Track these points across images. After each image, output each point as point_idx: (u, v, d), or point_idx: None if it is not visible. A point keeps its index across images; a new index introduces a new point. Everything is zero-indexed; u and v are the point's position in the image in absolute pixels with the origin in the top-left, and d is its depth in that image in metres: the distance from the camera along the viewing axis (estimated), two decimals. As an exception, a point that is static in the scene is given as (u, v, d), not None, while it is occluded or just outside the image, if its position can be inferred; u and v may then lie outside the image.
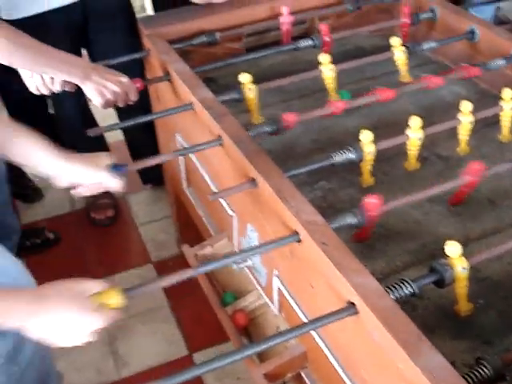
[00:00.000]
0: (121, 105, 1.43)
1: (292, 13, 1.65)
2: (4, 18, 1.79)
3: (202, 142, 1.23)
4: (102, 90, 1.37)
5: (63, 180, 1.11)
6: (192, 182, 1.62)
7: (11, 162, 1.12)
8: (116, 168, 1.12)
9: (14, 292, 0.86)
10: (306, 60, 1.60)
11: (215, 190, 1.36)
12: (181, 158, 1.59)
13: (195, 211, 1.65)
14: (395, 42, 1.47)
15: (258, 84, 1.37)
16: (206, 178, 1.42)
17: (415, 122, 1.16)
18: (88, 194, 1.15)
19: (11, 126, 1.11)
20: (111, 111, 1.98)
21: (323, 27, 1.56)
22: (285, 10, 1.63)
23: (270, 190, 1.00)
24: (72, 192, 1.15)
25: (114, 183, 1.12)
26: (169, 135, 1.67)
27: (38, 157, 1.09)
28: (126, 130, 2.28)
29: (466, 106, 1.21)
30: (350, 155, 1.13)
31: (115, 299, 0.86)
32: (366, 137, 1.13)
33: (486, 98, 1.46)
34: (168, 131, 1.67)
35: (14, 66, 1.38)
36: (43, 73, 1.40)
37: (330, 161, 1.12)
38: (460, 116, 1.22)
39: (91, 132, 1.31)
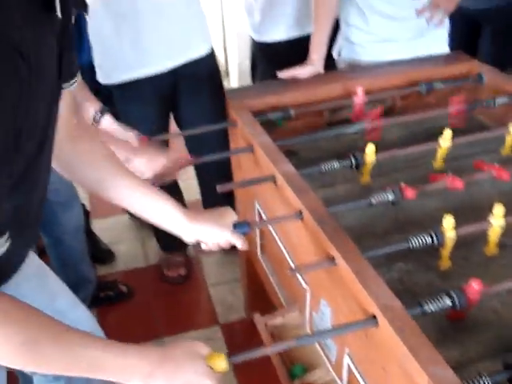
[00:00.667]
0: (167, 180, 1.54)
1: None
2: (100, 80, 1.92)
3: (281, 213, 1.26)
4: (152, 164, 1.48)
5: (189, 237, 1.17)
6: (266, 250, 1.65)
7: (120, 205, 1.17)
8: (239, 226, 1.17)
9: (135, 349, 0.87)
10: (388, 138, 1.64)
11: (291, 262, 1.38)
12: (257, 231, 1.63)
13: (267, 278, 1.67)
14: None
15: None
16: (282, 248, 1.44)
17: (499, 210, 1.15)
18: (209, 249, 1.20)
19: (129, 175, 1.16)
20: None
21: (374, 112, 1.59)
22: (359, 90, 1.68)
23: (349, 271, 1.01)
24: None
25: (237, 242, 1.17)
26: (247, 202, 1.71)
27: (163, 214, 1.15)
28: (202, 187, 2.36)
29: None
30: (430, 240, 1.13)
31: (221, 364, 0.89)
32: (449, 223, 1.13)
33: None
34: (247, 198, 1.71)
35: None
36: None
37: (409, 244, 1.13)
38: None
39: (220, 188, 1.37)
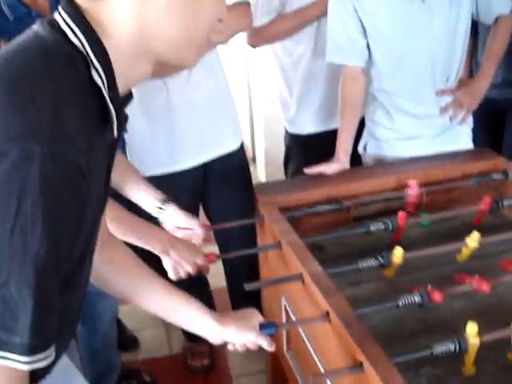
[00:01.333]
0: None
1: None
2: None
3: (308, 311, 1.26)
4: (177, 267, 1.49)
5: (215, 340, 1.19)
6: (292, 346, 1.64)
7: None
8: (265, 328, 1.18)
9: None
10: (414, 234, 1.66)
11: (318, 363, 1.37)
12: (283, 318, 1.63)
13: (293, 375, 1.65)
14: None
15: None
16: (309, 347, 1.43)
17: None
18: (235, 350, 1.22)
19: (154, 277, 1.19)
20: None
21: (401, 214, 1.59)
22: (412, 183, 1.73)
23: (377, 378, 1.01)
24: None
25: (264, 344, 1.18)
26: (274, 296, 1.71)
27: (189, 318, 1.17)
28: (230, 279, 2.36)
29: None
30: (452, 347, 1.12)
31: None
32: (472, 330, 1.12)
33: None
34: (274, 292, 1.72)
35: None
36: (129, 241, 1.52)
37: (432, 351, 1.12)
38: None
39: (248, 287, 1.39)
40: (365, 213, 1.79)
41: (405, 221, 1.57)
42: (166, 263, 1.51)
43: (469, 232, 1.48)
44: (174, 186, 1.97)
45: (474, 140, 2.12)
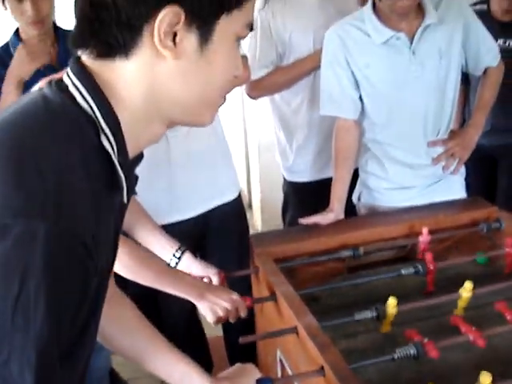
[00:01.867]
0: (232, 321, 1.52)
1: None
2: None
3: (303, 364, 1.26)
4: (215, 308, 1.48)
5: None
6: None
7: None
8: (262, 383, 1.17)
9: None
10: (410, 284, 1.66)
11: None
12: (278, 370, 1.62)
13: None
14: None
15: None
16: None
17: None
18: None
19: (153, 334, 1.18)
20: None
21: (428, 256, 1.61)
22: (424, 230, 1.75)
23: None
24: None
25: None
26: (270, 348, 1.70)
27: (183, 377, 1.15)
28: (226, 330, 2.35)
29: None
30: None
31: None
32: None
33: None
34: (269, 344, 1.71)
35: (137, 281, 1.52)
36: (163, 289, 1.53)
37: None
38: None
39: (243, 340, 1.39)
40: (360, 263, 1.80)
41: (434, 263, 1.60)
42: (204, 308, 1.51)
43: (463, 282, 1.49)
44: (172, 234, 1.98)
45: (468, 186, 2.14)
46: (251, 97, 2.39)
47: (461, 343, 1.37)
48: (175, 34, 0.74)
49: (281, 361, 1.59)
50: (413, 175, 1.99)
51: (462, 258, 1.72)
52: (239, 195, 2.14)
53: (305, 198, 2.41)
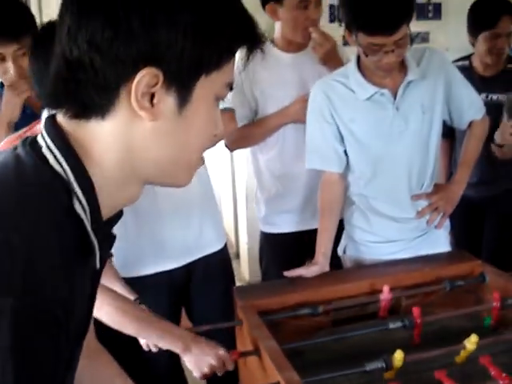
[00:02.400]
0: (219, 374, 1.51)
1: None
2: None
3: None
4: (200, 364, 1.47)
5: None
6: None
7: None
8: None
9: None
10: (396, 338, 1.64)
11: None
12: None
13: None
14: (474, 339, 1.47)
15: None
16: None
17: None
18: None
19: None
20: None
21: (416, 310, 1.60)
22: (385, 288, 1.73)
23: None
24: None
25: None
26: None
27: None
28: (209, 381, 2.31)
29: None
30: None
31: None
32: None
33: None
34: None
35: (121, 331, 1.50)
36: (147, 339, 1.51)
37: None
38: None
39: None
40: (345, 316, 1.78)
41: (420, 317, 1.59)
42: (189, 362, 1.50)
43: (448, 335, 1.48)
44: (157, 286, 1.97)
45: (455, 238, 2.15)
46: (228, 149, 2.42)
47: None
48: (153, 95, 0.73)
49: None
50: (398, 228, 2.00)
51: (448, 313, 1.71)
52: (225, 245, 2.14)
53: (277, 249, 2.41)
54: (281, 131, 2.27)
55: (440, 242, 2.07)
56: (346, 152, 1.95)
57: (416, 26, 4.41)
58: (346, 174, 2.00)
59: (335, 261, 2.03)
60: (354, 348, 1.63)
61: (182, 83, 0.74)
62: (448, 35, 2.76)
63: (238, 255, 4.41)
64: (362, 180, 1.98)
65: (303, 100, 2.14)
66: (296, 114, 2.19)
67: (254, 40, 0.80)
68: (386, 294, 1.72)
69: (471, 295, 1.87)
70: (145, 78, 0.72)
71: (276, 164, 2.34)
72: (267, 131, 2.27)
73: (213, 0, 0.76)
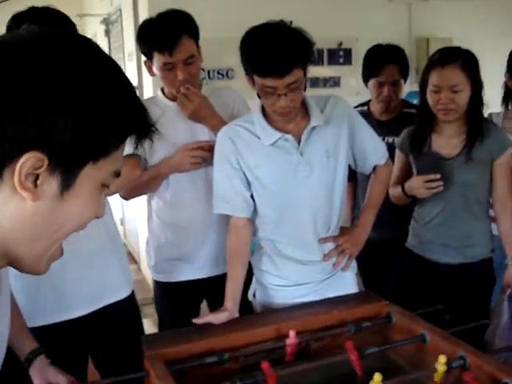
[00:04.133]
0: None
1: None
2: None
3: None
4: None
5: None
6: None
7: None
8: None
9: None
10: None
11: None
12: None
13: None
14: (378, 378, 1.48)
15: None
16: None
17: None
18: None
19: None
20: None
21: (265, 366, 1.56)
22: (291, 333, 1.71)
23: None
24: None
25: None
26: None
27: None
28: None
29: None
30: None
31: None
32: None
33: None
34: None
35: None
36: None
37: None
38: None
39: None
40: (255, 361, 1.76)
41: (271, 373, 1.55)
42: None
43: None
44: (62, 335, 1.90)
45: (363, 279, 2.19)
46: (124, 198, 2.36)
47: None
48: (37, 176, 0.73)
49: None
50: (305, 271, 2.02)
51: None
52: (132, 292, 2.09)
53: (171, 297, 2.38)
54: (171, 179, 2.25)
55: (347, 283, 2.10)
56: (252, 197, 1.97)
57: (327, 70, 4.66)
58: (253, 219, 2.01)
59: (245, 305, 2.03)
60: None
61: (66, 168, 0.75)
62: (358, 80, 2.89)
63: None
64: (269, 225, 2.00)
65: (186, 149, 2.16)
66: (179, 163, 2.18)
67: (143, 130, 0.83)
68: (291, 339, 1.71)
69: (379, 336, 1.90)
70: (29, 160, 0.72)
71: (165, 211, 2.32)
72: (154, 180, 2.25)
73: (105, 90, 0.76)
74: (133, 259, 5.32)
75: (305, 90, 1.87)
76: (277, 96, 1.76)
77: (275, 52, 1.69)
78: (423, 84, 2.29)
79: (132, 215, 5.23)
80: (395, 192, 2.42)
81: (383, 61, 2.70)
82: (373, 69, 2.73)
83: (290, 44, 1.71)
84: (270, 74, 1.72)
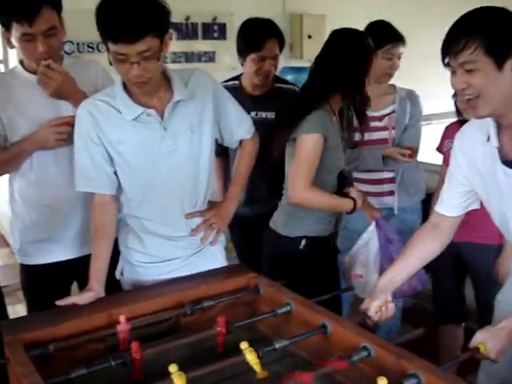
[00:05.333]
0: None
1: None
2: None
3: None
4: None
5: None
6: None
7: None
8: None
9: None
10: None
11: None
12: None
13: None
14: (244, 345, 1.53)
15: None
16: None
17: None
18: None
19: None
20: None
21: (134, 345, 1.55)
22: (122, 318, 1.67)
23: None
24: None
25: None
26: None
27: None
28: None
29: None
30: None
31: None
32: None
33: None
34: None
35: None
36: None
37: None
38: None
39: None
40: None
41: (139, 352, 1.55)
42: None
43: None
44: None
45: (238, 254, 2.21)
46: None
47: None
48: None
49: None
50: (172, 247, 2.01)
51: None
52: None
53: (39, 281, 2.30)
54: (35, 157, 2.16)
55: (216, 257, 2.12)
56: (116, 174, 1.93)
57: (202, 45, 4.62)
58: (118, 195, 1.98)
59: (114, 284, 2.00)
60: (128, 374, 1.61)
61: None
62: (233, 55, 2.87)
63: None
64: (134, 202, 1.97)
65: (51, 125, 2.08)
66: (44, 140, 2.10)
67: None
68: (123, 325, 1.67)
69: (248, 307, 1.93)
70: None
71: (29, 191, 2.23)
72: (17, 158, 2.15)
73: None
74: (5, 242, 5.09)
75: (165, 63, 1.84)
76: (129, 64, 1.71)
77: (126, 17, 1.65)
78: None
79: (2, 196, 4.98)
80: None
81: (264, 35, 2.69)
82: (253, 43, 2.69)
83: (143, 10, 1.67)
84: (121, 39, 1.67)
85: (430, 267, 2.59)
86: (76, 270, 2.25)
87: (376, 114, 2.78)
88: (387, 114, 2.81)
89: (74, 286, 2.39)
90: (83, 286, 2.14)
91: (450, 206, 1.80)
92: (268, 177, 2.71)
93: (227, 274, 2.04)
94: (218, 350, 1.70)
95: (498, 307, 1.94)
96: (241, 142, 2.14)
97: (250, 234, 2.87)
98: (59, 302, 1.74)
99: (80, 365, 1.54)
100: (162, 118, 1.87)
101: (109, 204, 1.93)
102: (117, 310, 1.75)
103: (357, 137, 2.60)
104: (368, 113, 2.50)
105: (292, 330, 1.74)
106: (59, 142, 2.10)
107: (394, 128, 2.78)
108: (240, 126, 2.09)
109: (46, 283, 2.26)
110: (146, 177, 1.91)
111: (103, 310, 1.75)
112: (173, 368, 1.42)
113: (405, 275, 1.84)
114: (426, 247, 1.85)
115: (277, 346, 1.58)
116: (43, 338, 1.62)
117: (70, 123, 2.07)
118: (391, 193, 2.88)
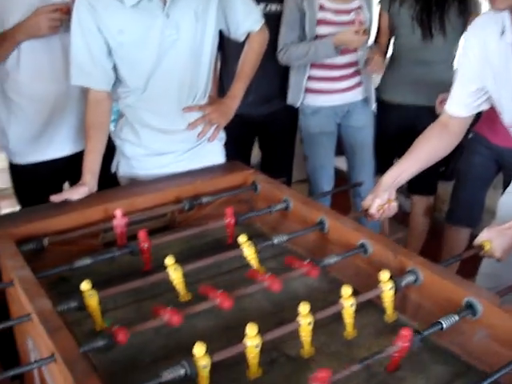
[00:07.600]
0: None
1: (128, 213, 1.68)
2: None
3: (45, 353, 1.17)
4: None
5: None
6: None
7: None
8: None
9: None
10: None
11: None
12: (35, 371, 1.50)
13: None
14: (243, 238, 1.50)
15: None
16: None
17: (251, 330, 1.14)
18: None
19: None
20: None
21: (142, 234, 1.55)
22: (118, 212, 1.64)
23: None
24: None
25: None
26: (23, 336, 1.58)
27: None
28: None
29: (304, 308, 1.21)
30: (182, 372, 1.08)
31: None
32: (199, 350, 1.09)
33: (339, 288, 1.49)
34: (23, 332, 1.58)
35: None
36: None
37: (161, 380, 1.07)
38: (299, 318, 1.21)
39: None
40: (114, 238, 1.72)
41: (148, 241, 1.53)
42: None
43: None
44: None
45: (227, 151, 2.13)
46: None
47: (209, 309, 1.35)
48: None
49: (32, 349, 1.47)
50: (168, 141, 1.95)
51: (218, 223, 1.70)
52: None
53: (28, 181, 2.25)
54: (24, 48, 2.02)
55: (214, 154, 2.06)
56: (114, 68, 1.84)
57: None
58: (116, 87, 1.90)
59: (109, 179, 1.96)
60: (124, 268, 1.59)
61: None
62: None
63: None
64: (132, 92, 1.89)
65: (43, 11, 1.94)
66: (36, 27, 1.95)
67: None
68: (119, 219, 1.64)
69: (245, 205, 1.89)
70: None
71: (19, 85, 2.10)
72: (3, 47, 2.02)
73: None
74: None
75: None
76: None
77: None
78: None
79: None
80: None
81: None
82: None
83: None
84: None
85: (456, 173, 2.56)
86: (68, 170, 2.19)
87: (344, 6, 2.59)
88: (355, 9, 2.61)
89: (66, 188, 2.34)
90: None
91: (460, 105, 1.71)
92: (279, 75, 2.59)
93: (224, 170, 2.00)
94: (228, 242, 1.68)
95: (503, 208, 1.90)
96: (248, 36, 2.02)
97: (244, 133, 2.76)
98: (53, 198, 1.69)
99: (74, 259, 1.52)
100: (165, 4, 1.75)
101: (104, 101, 1.86)
102: (112, 205, 1.71)
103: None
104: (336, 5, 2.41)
105: (290, 227, 1.71)
106: (52, 29, 1.97)
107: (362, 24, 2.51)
108: (247, 17, 1.96)
109: (37, 183, 2.20)
110: (147, 67, 1.82)
111: (98, 204, 1.71)
112: (169, 260, 1.40)
113: (414, 170, 1.76)
114: (435, 144, 1.76)
115: (275, 240, 1.56)
116: (35, 232, 1.60)
117: (63, 10, 1.95)
118: (359, 84, 2.74)
